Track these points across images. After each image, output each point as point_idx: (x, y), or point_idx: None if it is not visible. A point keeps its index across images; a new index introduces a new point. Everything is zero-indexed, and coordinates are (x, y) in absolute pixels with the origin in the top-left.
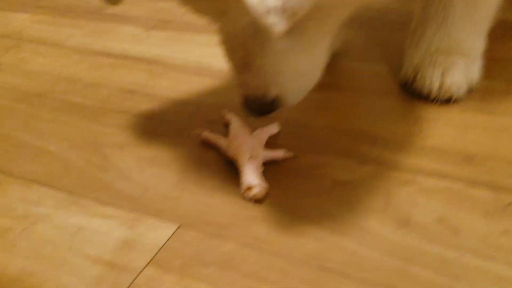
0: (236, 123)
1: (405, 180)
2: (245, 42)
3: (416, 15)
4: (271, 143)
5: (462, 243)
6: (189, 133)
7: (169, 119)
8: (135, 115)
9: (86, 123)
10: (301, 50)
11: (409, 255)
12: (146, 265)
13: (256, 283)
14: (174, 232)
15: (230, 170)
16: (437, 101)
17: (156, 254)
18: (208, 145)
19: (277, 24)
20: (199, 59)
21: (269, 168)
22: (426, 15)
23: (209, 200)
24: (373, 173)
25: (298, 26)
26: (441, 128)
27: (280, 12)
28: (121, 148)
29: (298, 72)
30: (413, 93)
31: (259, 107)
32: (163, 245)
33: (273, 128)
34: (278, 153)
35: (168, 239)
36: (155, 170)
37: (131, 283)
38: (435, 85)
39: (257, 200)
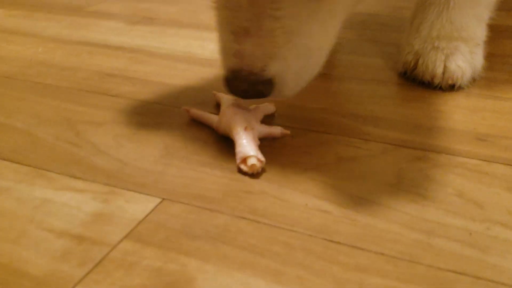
0: (228, 98)
1: (416, 156)
2: (257, 0)
3: (415, 1)
4: (266, 123)
5: (489, 216)
6: (175, 112)
7: (152, 99)
8: (114, 95)
9: (59, 102)
10: (318, 24)
11: (431, 228)
12: (122, 239)
13: (255, 256)
14: (157, 206)
15: (222, 146)
16: (440, 87)
17: (135, 227)
18: (197, 122)
19: None
20: (186, 49)
21: (265, 144)
22: (427, 0)
23: (198, 175)
24: (380, 150)
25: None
26: (448, 112)
27: None
28: (97, 125)
29: (307, 51)
30: (414, 81)
31: (251, 86)
32: (144, 218)
33: (268, 108)
34: (276, 130)
35: (150, 212)
36: (135, 146)
37: (103, 257)
38: (439, 70)
39: (254, 173)
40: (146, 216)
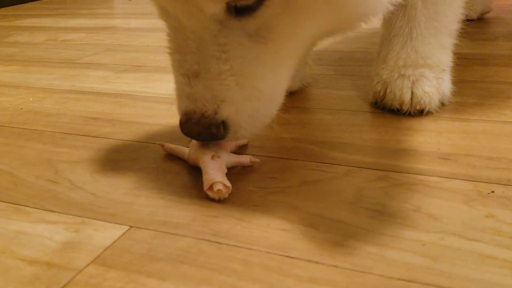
0: None
1: (377, 177)
2: (204, 43)
3: (381, 33)
4: (238, 153)
5: (443, 228)
6: (150, 147)
7: (131, 138)
8: (95, 136)
9: (42, 145)
10: (267, 63)
11: (385, 241)
12: (88, 264)
13: (212, 274)
14: (124, 233)
15: (193, 176)
16: (409, 113)
17: (101, 253)
18: (172, 156)
19: None
20: (169, 92)
21: (233, 172)
22: (391, 31)
23: (166, 203)
24: (343, 172)
25: (267, 33)
26: (414, 135)
27: None
28: (75, 164)
29: (257, 93)
30: (385, 109)
31: (203, 128)
32: (110, 245)
33: (241, 140)
34: (244, 159)
35: (117, 239)
36: (110, 180)
37: (69, 281)
38: (406, 97)
39: (220, 199)
40: (113, 243)
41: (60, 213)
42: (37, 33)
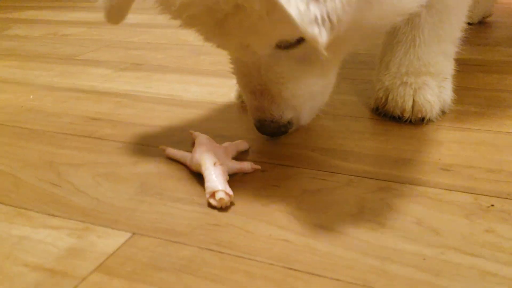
0: (201, 136)
1: (379, 187)
2: (263, 71)
3: (384, 39)
4: (239, 159)
5: (444, 242)
6: (152, 151)
7: (132, 140)
8: (96, 138)
9: (43, 147)
10: (315, 75)
11: (386, 254)
12: (91, 272)
13: (215, 285)
14: (127, 240)
15: (194, 182)
16: (410, 121)
17: (104, 261)
18: (173, 161)
19: (321, 35)
20: (170, 92)
21: (235, 179)
22: (394, 38)
23: (168, 210)
24: (345, 182)
25: (313, 57)
26: (415, 144)
27: (323, 22)
28: (77, 166)
29: (311, 95)
30: (386, 116)
31: (275, 130)
32: (113, 252)
33: (242, 145)
34: (246, 165)
35: (120, 247)
36: (112, 184)
37: None
38: (408, 104)
39: (222, 207)
40: (116, 250)
41: (63, 218)
42: (36, 27)
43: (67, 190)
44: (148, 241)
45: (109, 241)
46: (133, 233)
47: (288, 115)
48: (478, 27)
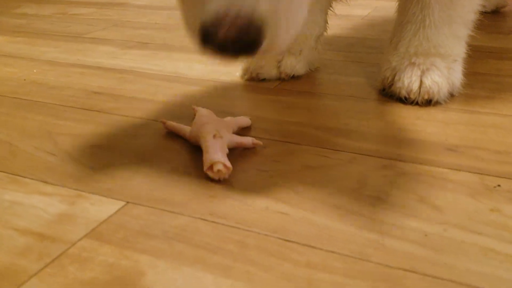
0: (202, 110)
1: (382, 165)
2: None
3: (395, 19)
4: (241, 135)
5: (446, 219)
6: (152, 124)
7: (132, 114)
8: (96, 110)
9: (43, 117)
10: None
11: (386, 229)
12: (82, 238)
13: (207, 253)
14: (120, 208)
15: (193, 155)
16: (417, 103)
17: (95, 227)
18: (174, 134)
19: None
20: (174, 69)
21: (235, 153)
22: (404, 18)
23: (165, 181)
24: (348, 159)
25: None
26: (421, 125)
27: None
28: (75, 137)
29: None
30: (392, 97)
31: (237, 37)
32: (105, 220)
33: (244, 120)
34: (247, 140)
35: (113, 214)
36: (108, 154)
37: (61, 254)
38: (415, 86)
39: (220, 179)
40: (108, 217)
41: (56, 185)
42: (45, 6)
43: (63, 159)
44: (142, 210)
45: (101, 208)
46: (127, 202)
47: (263, 7)
48: (493, 16)
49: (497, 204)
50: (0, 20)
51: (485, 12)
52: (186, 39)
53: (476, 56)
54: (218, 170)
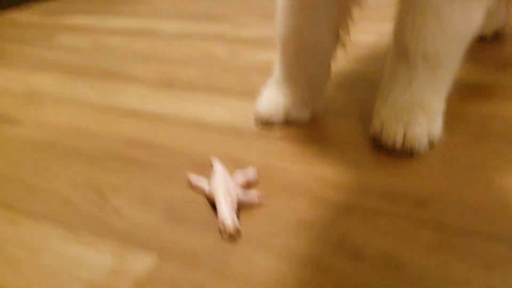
0: (217, 166)
1: (363, 216)
2: None
3: (384, 75)
4: (248, 186)
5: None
6: (178, 175)
7: (161, 163)
8: (129, 158)
9: (88, 167)
10: None
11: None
12: None
13: None
14: (154, 263)
15: (213, 209)
16: (401, 153)
17: (139, 280)
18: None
19: None
20: (196, 115)
21: (243, 211)
22: (393, 76)
23: (188, 234)
24: (342, 210)
25: None
26: (400, 176)
27: None
28: (117, 189)
29: None
30: (381, 146)
31: None
32: (147, 276)
33: (251, 172)
34: (252, 196)
35: (150, 270)
36: (144, 208)
37: None
38: (399, 138)
39: (231, 235)
40: (150, 274)
41: (104, 238)
42: (79, 34)
43: (109, 213)
44: (171, 264)
45: (140, 261)
46: (160, 256)
47: None
48: (491, 42)
49: (447, 257)
50: (40, 53)
51: (484, 37)
52: (208, 76)
53: (454, 94)
54: (228, 229)
